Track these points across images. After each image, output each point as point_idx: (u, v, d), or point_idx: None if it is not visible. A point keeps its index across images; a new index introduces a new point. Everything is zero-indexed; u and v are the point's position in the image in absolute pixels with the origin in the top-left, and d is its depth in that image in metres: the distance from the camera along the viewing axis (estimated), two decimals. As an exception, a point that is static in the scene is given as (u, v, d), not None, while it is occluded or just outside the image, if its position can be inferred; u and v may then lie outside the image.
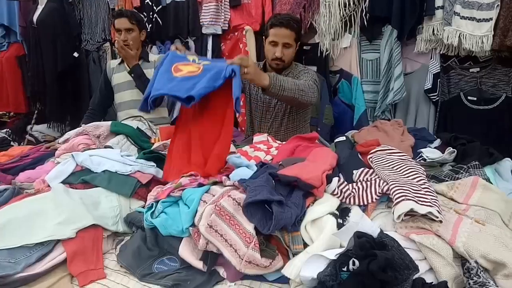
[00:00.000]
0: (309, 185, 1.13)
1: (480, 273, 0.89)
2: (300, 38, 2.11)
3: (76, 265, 1.07)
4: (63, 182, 1.41)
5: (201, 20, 3.25)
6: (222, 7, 3.16)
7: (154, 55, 2.70)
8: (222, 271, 1.06)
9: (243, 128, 3.09)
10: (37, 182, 1.47)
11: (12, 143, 3.22)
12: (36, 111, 3.91)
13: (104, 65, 3.71)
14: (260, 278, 1.04)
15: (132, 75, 2.51)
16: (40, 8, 3.60)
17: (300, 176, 1.14)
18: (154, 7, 3.37)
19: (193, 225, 1.12)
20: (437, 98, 2.54)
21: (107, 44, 3.70)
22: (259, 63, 2.28)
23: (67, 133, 1.90)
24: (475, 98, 2.44)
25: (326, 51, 2.80)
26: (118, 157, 1.53)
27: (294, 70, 2.13)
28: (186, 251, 1.10)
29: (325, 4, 2.70)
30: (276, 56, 2.01)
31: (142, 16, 2.81)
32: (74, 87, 3.81)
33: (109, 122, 1.90)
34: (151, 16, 3.40)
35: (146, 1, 3.37)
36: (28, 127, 3.83)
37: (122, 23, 2.53)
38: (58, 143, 1.90)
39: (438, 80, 2.51)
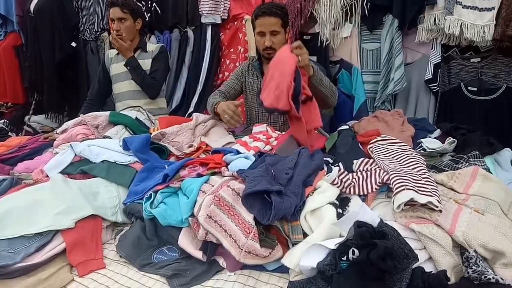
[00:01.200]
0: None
1: (479, 262, 0.89)
2: (287, 23, 2.06)
3: (75, 255, 1.07)
4: (62, 172, 1.41)
5: (200, 9, 3.21)
6: (221, -4, 3.12)
7: (152, 45, 2.65)
8: (221, 261, 1.06)
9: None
10: (35, 172, 1.47)
11: (10, 133, 3.20)
12: (34, 102, 3.88)
13: (102, 55, 3.67)
14: (260, 268, 1.04)
15: (128, 67, 2.47)
16: (37, -3, 3.55)
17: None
18: (153, -4, 3.34)
19: (192, 215, 1.12)
20: (438, 88, 2.52)
21: (105, 33, 3.66)
22: (253, 57, 2.26)
23: (65, 123, 1.89)
24: (475, 89, 2.43)
25: (327, 40, 2.77)
26: (117, 147, 1.52)
27: None
28: (185, 241, 1.10)
29: (325, -7, 2.67)
30: (266, 46, 1.99)
31: (139, 4, 2.74)
32: (72, 77, 3.78)
33: (108, 112, 1.89)
34: (149, 5, 3.36)
35: (144, -10, 3.33)
36: (26, 118, 3.81)
37: (115, 12, 2.48)
38: (57, 133, 1.89)
39: (439, 70, 2.49)
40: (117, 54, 2.62)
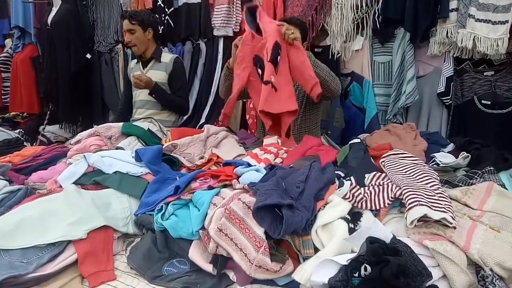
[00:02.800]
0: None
1: (495, 281, 0.87)
2: (306, 37, 2.16)
3: (87, 266, 1.07)
4: (75, 182, 1.43)
5: (212, 22, 3.26)
6: (234, 9, 3.17)
7: (167, 55, 2.68)
8: (232, 275, 1.06)
9: (252, 131, 3.08)
10: (49, 182, 1.49)
11: (25, 143, 3.26)
12: (48, 112, 3.96)
13: (116, 66, 3.75)
14: (270, 282, 1.03)
15: (153, 96, 2.53)
16: (54, 10, 3.65)
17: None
18: (166, 9, 3.40)
19: (203, 228, 1.12)
20: (450, 101, 2.50)
21: (119, 45, 3.73)
22: None
23: (79, 134, 1.91)
24: (489, 102, 2.40)
25: (338, 53, 2.78)
26: (130, 158, 1.53)
27: None
28: (196, 254, 1.10)
29: (337, 6, 2.69)
30: None
31: (150, 13, 2.79)
32: (86, 88, 3.86)
33: (121, 124, 1.92)
34: (163, 18, 3.42)
35: (158, 3, 3.40)
36: (41, 128, 3.88)
37: (125, 25, 2.57)
38: (71, 144, 1.92)
39: (452, 83, 2.47)
40: (136, 63, 2.72)
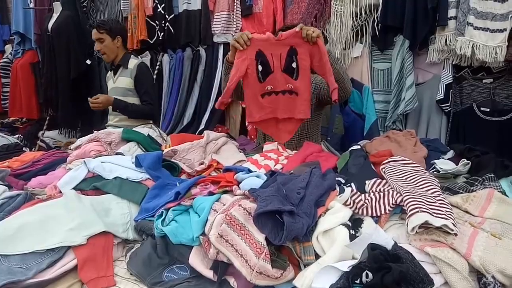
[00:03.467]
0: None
1: (497, 288, 0.87)
2: None
3: (86, 272, 1.07)
4: (75, 188, 1.42)
5: (212, 29, 3.27)
6: (234, 16, 3.18)
7: (134, 61, 2.71)
8: (232, 281, 1.05)
9: (252, 137, 3.08)
10: (49, 188, 1.48)
11: (24, 148, 3.26)
12: (48, 117, 3.96)
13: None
14: (271, 288, 1.02)
15: (117, 111, 2.58)
16: (55, 16, 3.66)
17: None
18: (167, 16, 3.41)
19: (203, 233, 1.12)
20: (449, 108, 2.51)
21: (119, 52, 3.74)
22: None
23: (79, 139, 1.92)
24: (488, 109, 2.41)
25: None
26: (130, 164, 1.53)
27: (314, 79, 2.15)
28: (196, 260, 1.09)
29: (336, 14, 2.71)
30: None
31: (118, 21, 2.86)
32: (86, 94, 3.84)
33: (121, 129, 1.92)
34: (163, 25, 3.44)
35: (158, 10, 3.41)
36: (40, 133, 3.87)
37: (93, 34, 2.62)
38: (70, 149, 1.92)
39: (451, 90, 2.49)
40: (109, 72, 2.81)
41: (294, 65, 1.65)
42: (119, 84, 2.67)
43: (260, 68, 1.66)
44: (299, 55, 1.64)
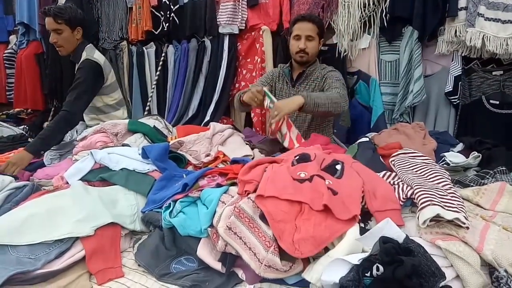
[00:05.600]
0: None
1: (510, 282, 0.86)
2: (323, 35, 2.18)
3: (94, 263, 1.07)
4: (81, 179, 1.42)
5: (218, 20, 3.24)
6: (240, 7, 3.14)
7: (84, 54, 2.31)
8: (240, 273, 1.05)
9: (257, 128, 3.07)
10: (55, 179, 1.48)
11: (29, 139, 3.26)
12: (53, 108, 3.96)
13: (121, 63, 3.73)
14: (280, 281, 1.02)
15: (43, 152, 1.99)
16: (59, 7, 3.63)
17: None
18: (172, 6, 3.38)
19: (211, 225, 1.11)
20: (458, 101, 2.48)
21: (124, 42, 3.72)
22: (284, 65, 2.29)
23: (85, 130, 1.91)
24: (497, 102, 2.38)
25: (344, 52, 2.76)
26: (136, 155, 1.53)
27: (322, 70, 2.16)
28: (204, 252, 1.09)
29: (344, 4, 2.66)
30: (300, 48, 2.09)
31: (77, 10, 2.38)
32: (91, 85, 3.84)
33: (127, 121, 1.91)
34: (168, 15, 3.40)
35: (163, 0, 3.37)
36: (45, 124, 3.86)
37: (49, 23, 2.23)
38: (76, 140, 1.92)
39: (459, 83, 2.45)
40: None
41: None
42: None
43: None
44: None
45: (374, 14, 2.64)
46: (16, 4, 4.17)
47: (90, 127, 2.02)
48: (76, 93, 2.17)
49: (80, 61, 2.29)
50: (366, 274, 0.87)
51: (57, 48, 2.32)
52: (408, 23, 2.57)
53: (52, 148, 1.98)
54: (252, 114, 3.14)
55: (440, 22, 2.44)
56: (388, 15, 2.57)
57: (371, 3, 2.60)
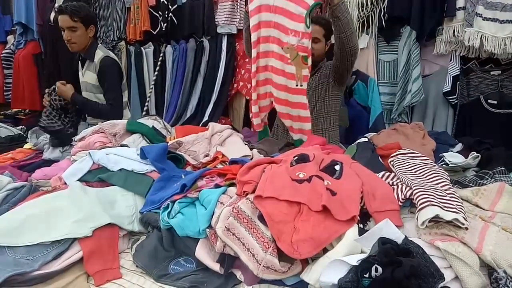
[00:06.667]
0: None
1: (509, 283, 0.85)
2: (330, 36, 2.15)
3: (92, 264, 1.06)
4: (80, 179, 1.41)
5: (216, 20, 3.24)
6: (238, 7, 3.15)
7: (100, 53, 2.43)
8: (239, 274, 1.04)
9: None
10: (53, 179, 1.47)
11: (27, 140, 3.26)
12: (52, 109, 3.95)
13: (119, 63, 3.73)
14: (279, 282, 1.01)
15: (77, 106, 2.31)
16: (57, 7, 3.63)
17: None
18: (170, 6, 3.38)
19: (210, 226, 1.10)
20: (456, 101, 2.49)
21: (122, 42, 3.72)
22: None
23: (83, 130, 1.90)
24: (495, 102, 2.39)
25: (343, 51, 2.76)
26: (135, 156, 1.52)
27: (328, 68, 2.17)
28: (202, 253, 1.08)
29: (342, 4, 2.67)
30: None
31: (89, 9, 2.54)
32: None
33: (125, 121, 1.90)
34: (166, 15, 3.40)
35: (162, 0, 3.38)
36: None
37: (64, 21, 2.29)
38: (74, 141, 1.91)
39: (458, 82, 2.46)
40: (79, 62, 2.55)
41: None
42: (87, 79, 2.46)
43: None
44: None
45: (372, 14, 2.66)
46: (14, 4, 4.17)
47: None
48: (115, 92, 2.38)
49: (99, 58, 2.37)
50: (364, 275, 0.87)
51: (69, 45, 2.36)
52: (406, 23, 2.58)
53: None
54: (251, 115, 3.13)
55: (438, 22, 2.45)
56: (386, 15, 2.58)
57: (369, 3, 2.61)
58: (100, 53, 2.41)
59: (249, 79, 3.16)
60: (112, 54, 2.51)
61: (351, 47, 1.88)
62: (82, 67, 2.51)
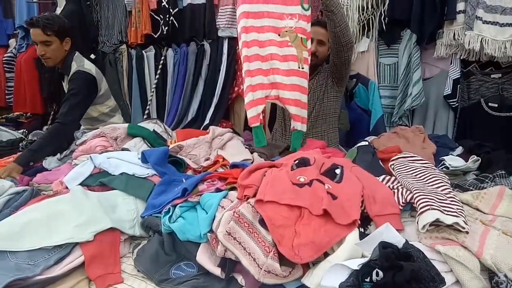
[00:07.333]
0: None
1: (510, 287, 0.85)
2: None
3: (94, 269, 1.07)
4: (81, 184, 1.42)
5: (217, 23, 3.25)
6: (239, 10, 3.15)
7: (74, 65, 2.27)
8: (240, 279, 1.05)
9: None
10: (55, 183, 1.48)
11: (28, 144, 3.27)
12: (52, 112, 3.96)
13: (120, 67, 3.74)
14: (280, 286, 1.01)
15: (32, 163, 1.89)
16: (58, 10, 3.64)
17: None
18: (171, 10, 3.38)
19: (211, 230, 1.11)
20: (457, 104, 2.48)
21: (123, 46, 3.73)
22: None
23: (85, 134, 1.91)
24: (496, 105, 2.38)
25: (343, 55, 2.76)
26: (136, 160, 1.53)
27: (326, 71, 2.18)
28: (204, 257, 1.09)
29: (342, 8, 2.67)
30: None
31: (64, 20, 2.30)
32: (90, 89, 3.84)
33: (126, 125, 1.91)
34: (167, 19, 3.41)
35: (163, 4, 3.38)
36: (44, 128, 3.87)
37: (36, 35, 2.13)
38: (76, 144, 1.92)
39: (458, 85, 2.45)
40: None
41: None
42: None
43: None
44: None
45: (373, 18, 2.65)
46: (16, 8, 4.19)
47: None
48: (69, 104, 2.13)
49: (72, 72, 2.24)
50: (365, 280, 0.87)
51: (43, 60, 2.24)
52: (406, 26, 2.58)
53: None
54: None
55: (438, 25, 2.45)
56: (386, 18, 2.58)
57: (369, 7, 2.61)
58: (74, 66, 2.26)
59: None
60: (87, 65, 2.32)
61: (347, 41, 1.90)
62: (63, 80, 2.43)
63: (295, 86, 1.64)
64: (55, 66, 2.34)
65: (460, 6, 2.34)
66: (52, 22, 2.14)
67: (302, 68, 1.64)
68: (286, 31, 1.65)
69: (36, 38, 2.15)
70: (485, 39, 2.25)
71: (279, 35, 1.64)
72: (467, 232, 0.96)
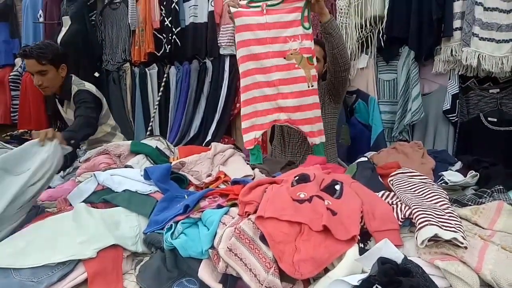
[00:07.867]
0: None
1: (509, 303, 0.86)
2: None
3: (96, 286, 1.07)
4: (84, 201, 1.44)
5: (219, 41, 3.31)
6: (240, 29, 3.21)
7: (75, 88, 2.27)
8: (241, 295, 1.05)
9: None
10: (59, 201, 1.50)
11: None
12: (56, 130, 4.00)
13: (124, 85, 3.80)
14: (280, 302, 1.02)
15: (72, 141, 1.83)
16: (64, 30, 3.73)
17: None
18: (174, 29, 3.46)
19: (212, 247, 1.12)
20: (456, 119, 2.51)
21: (127, 64, 3.80)
22: None
23: (88, 152, 1.94)
24: (495, 119, 2.41)
25: (343, 71, 2.81)
26: (139, 177, 1.55)
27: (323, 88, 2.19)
28: (205, 273, 1.09)
29: (341, 26, 2.73)
30: None
31: (57, 46, 2.33)
32: (94, 106, 3.89)
33: (129, 142, 1.94)
34: (170, 37, 3.48)
35: (165, 23, 3.46)
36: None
37: (31, 66, 2.10)
38: (79, 162, 1.94)
39: (457, 101, 2.49)
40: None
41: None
42: (71, 116, 2.29)
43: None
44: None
45: (371, 35, 2.71)
46: (22, 28, 4.29)
47: None
48: (84, 106, 2.14)
49: (73, 93, 2.23)
50: (365, 295, 0.88)
51: (41, 89, 2.20)
52: (404, 43, 2.63)
53: None
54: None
55: (436, 42, 2.50)
56: (385, 35, 2.63)
57: (368, 24, 2.66)
58: (75, 88, 2.27)
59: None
60: (87, 86, 2.34)
61: (344, 62, 1.93)
62: (62, 105, 2.41)
63: (305, 107, 1.69)
64: (54, 94, 2.33)
65: (457, 23, 2.39)
66: (46, 50, 2.12)
67: (312, 86, 1.70)
68: (291, 54, 1.70)
69: (31, 69, 2.13)
70: (482, 55, 2.29)
71: (285, 58, 1.69)
72: (465, 247, 0.97)
